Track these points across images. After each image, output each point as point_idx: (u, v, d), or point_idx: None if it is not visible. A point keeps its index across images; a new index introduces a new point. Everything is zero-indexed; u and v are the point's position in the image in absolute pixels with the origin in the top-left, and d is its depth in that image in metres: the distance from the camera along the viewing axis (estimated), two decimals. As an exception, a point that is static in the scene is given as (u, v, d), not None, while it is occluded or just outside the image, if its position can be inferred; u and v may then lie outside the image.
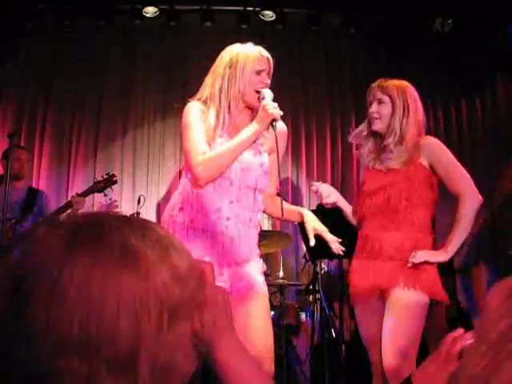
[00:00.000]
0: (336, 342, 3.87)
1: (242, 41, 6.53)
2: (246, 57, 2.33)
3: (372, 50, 5.97)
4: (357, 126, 6.17)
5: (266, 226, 5.58)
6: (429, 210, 2.51)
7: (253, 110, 2.39)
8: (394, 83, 2.57)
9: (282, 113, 2.30)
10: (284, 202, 2.43)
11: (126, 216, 0.71)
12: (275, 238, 4.50)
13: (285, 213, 2.35)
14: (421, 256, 2.37)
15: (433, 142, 2.53)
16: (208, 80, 2.40)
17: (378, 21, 5.77)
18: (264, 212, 2.54)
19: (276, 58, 6.60)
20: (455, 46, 5.70)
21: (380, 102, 2.53)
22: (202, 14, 5.70)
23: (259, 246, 4.19)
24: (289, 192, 5.70)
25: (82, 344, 0.59)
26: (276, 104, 2.29)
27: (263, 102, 2.27)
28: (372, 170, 2.61)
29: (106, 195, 4.18)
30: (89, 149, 5.67)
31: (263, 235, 4.29)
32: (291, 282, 4.69)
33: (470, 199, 2.40)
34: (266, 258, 4.96)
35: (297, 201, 5.68)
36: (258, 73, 2.33)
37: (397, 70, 5.79)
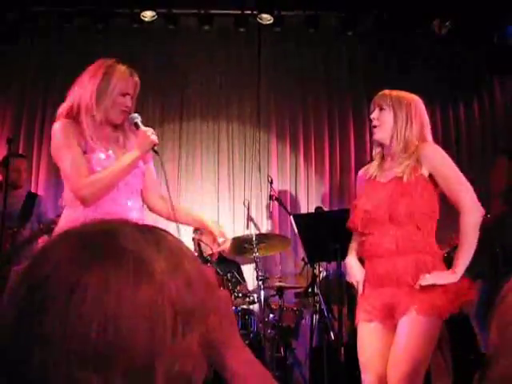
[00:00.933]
0: (335, 344, 3.86)
1: (240, 44, 6.49)
2: (118, 76, 2.43)
3: (370, 53, 5.99)
4: (355, 129, 6.21)
5: (265, 228, 5.60)
6: (433, 224, 2.42)
7: (116, 126, 2.49)
8: (398, 93, 2.49)
9: (156, 139, 2.44)
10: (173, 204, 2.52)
11: (138, 224, 0.71)
12: (274, 241, 4.51)
13: (180, 215, 2.57)
14: (429, 279, 2.29)
15: (431, 150, 2.43)
16: (77, 91, 2.45)
17: (375, 23, 5.78)
18: (151, 210, 2.67)
19: (274, 61, 6.57)
20: (453, 47, 5.72)
21: (381, 108, 2.45)
22: (200, 17, 5.70)
23: (258, 249, 4.23)
24: (287, 195, 5.70)
25: (99, 355, 0.59)
26: (152, 129, 2.45)
27: (143, 128, 2.43)
28: (371, 181, 2.52)
29: None
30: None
31: (262, 238, 4.31)
32: (290, 285, 4.69)
33: (472, 214, 2.33)
34: (264, 260, 4.97)
35: (295, 203, 5.69)
36: (124, 95, 2.43)
37: (395, 72, 5.83)
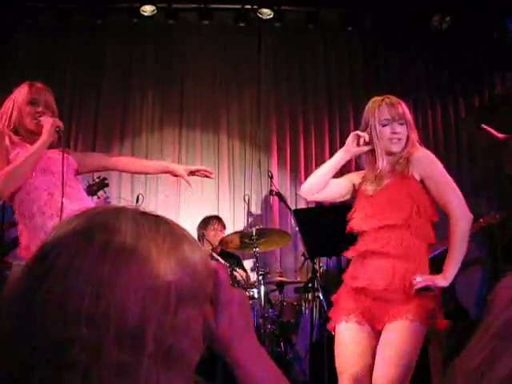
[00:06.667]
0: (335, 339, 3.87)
1: (240, 39, 6.48)
2: (19, 90, 2.64)
3: (370, 48, 5.98)
4: (355, 124, 6.20)
5: (265, 223, 5.59)
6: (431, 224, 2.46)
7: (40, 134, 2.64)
8: (402, 103, 2.55)
9: (61, 123, 2.61)
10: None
11: (141, 209, 0.75)
12: (274, 236, 4.51)
13: (147, 166, 3.00)
14: (421, 281, 2.32)
15: (423, 155, 2.49)
16: (7, 108, 2.65)
17: (376, 18, 5.77)
18: (124, 171, 3.14)
19: (274, 56, 6.55)
20: (453, 43, 5.71)
21: (401, 123, 2.50)
22: (200, 12, 5.70)
23: (258, 244, 4.23)
24: (287, 190, 5.70)
25: (92, 315, 0.64)
26: (56, 119, 2.62)
27: (41, 119, 2.59)
28: (366, 194, 2.58)
29: (99, 198, 4.21)
30: (87, 147, 5.67)
31: (262, 233, 4.31)
32: (290, 280, 4.70)
33: (462, 221, 2.38)
34: (264, 255, 4.98)
35: (296, 198, 5.68)
36: (31, 103, 2.60)
37: (395, 67, 5.82)
